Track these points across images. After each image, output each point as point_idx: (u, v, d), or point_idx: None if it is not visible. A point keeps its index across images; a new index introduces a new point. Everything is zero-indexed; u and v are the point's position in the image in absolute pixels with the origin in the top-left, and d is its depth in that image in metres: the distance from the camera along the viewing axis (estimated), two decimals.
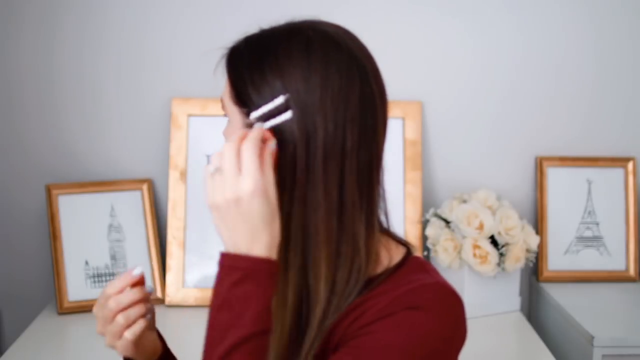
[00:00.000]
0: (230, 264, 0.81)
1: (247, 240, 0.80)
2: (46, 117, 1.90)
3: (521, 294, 1.90)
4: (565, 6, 1.94)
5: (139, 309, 0.88)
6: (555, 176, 1.97)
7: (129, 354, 0.90)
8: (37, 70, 1.88)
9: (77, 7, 1.87)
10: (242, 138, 0.81)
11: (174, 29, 1.89)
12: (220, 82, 0.89)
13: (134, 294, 0.88)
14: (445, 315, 0.82)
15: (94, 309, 0.91)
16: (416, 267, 0.88)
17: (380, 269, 0.87)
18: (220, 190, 0.80)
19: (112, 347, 0.90)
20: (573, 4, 1.94)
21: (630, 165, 1.97)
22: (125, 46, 1.89)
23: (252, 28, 0.89)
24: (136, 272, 0.88)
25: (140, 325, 0.88)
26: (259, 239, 0.80)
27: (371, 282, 0.84)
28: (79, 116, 1.91)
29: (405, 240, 0.92)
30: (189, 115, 1.88)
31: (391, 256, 0.89)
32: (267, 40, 0.85)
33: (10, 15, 1.85)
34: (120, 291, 0.89)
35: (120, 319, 0.87)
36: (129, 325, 0.88)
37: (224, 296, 0.80)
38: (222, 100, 0.89)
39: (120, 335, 0.88)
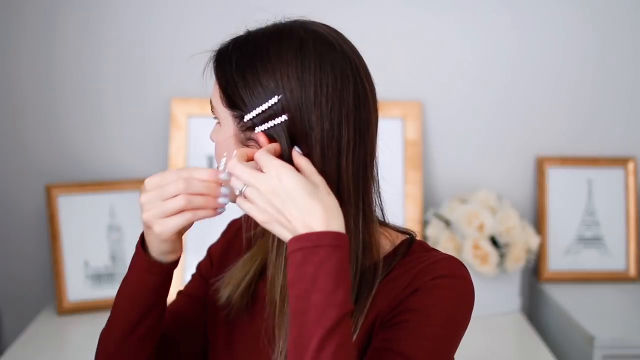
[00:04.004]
0: (313, 243, 0.77)
1: (303, 221, 0.78)
2: (46, 117, 1.90)
3: (521, 294, 1.89)
4: (566, 5, 1.94)
5: (204, 201, 0.83)
6: (555, 176, 1.96)
7: (163, 237, 0.85)
8: (37, 70, 1.88)
9: (77, 7, 1.86)
10: (244, 154, 0.82)
11: (174, 29, 1.89)
12: (210, 84, 0.89)
13: (207, 187, 0.83)
14: (467, 282, 0.88)
15: (149, 186, 0.85)
16: (423, 248, 0.93)
17: (383, 254, 0.90)
18: (259, 197, 0.79)
19: (150, 225, 0.84)
20: (573, 3, 1.93)
21: (630, 165, 1.97)
22: (125, 46, 1.89)
23: (250, 28, 0.89)
24: (223, 177, 0.83)
25: (199, 215, 0.83)
26: (314, 215, 0.78)
27: (377, 267, 0.88)
28: (79, 116, 1.91)
29: (405, 229, 0.95)
30: (189, 116, 1.87)
31: (393, 243, 0.92)
32: (258, 41, 0.85)
33: (10, 15, 1.85)
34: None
35: (181, 200, 0.82)
36: (181, 211, 0.83)
37: (312, 277, 0.77)
38: (211, 104, 0.89)
39: (168, 215, 0.83)
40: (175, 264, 0.93)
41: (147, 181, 0.85)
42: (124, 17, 1.88)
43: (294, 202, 0.78)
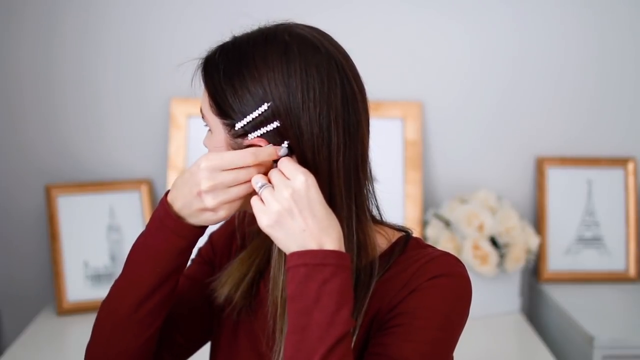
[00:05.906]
0: (319, 261, 0.78)
1: (317, 234, 0.79)
2: (45, 117, 1.90)
3: (521, 294, 1.89)
4: (566, 5, 1.94)
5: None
6: (555, 176, 1.96)
7: (226, 218, 0.85)
8: (36, 71, 1.88)
9: (77, 8, 1.86)
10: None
11: (174, 29, 1.89)
12: (199, 90, 0.89)
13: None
14: (464, 279, 0.88)
15: (206, 172, 0.82)
16: (419, 245, 0.92)
17: (380, 253, 0.90)
18: (274, 198, 0.79)
19: (215, 210, 0.83)
20: (574, 3, 1.94)
21: (630, 165, 1.97)
22: (125, 46, 1.89)
23: (249, 29, 0.88)
24: (282, 153, 0.83)
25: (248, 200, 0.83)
26: (328, 233, 0.79)
27: (373, 266, 0.88)
28: (79, 116, 1.91)
29: (401, 226, 0.95)
30: (189, 116, 1.87)
31: (390, 240, 0.93)
32: (244, 48, 0.85)
33: (10, 15, 1.85)
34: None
35: (255, 187, 0.82)
36: (246, 197, 0.83)
37: (315, 294, 0.78)
38: (201, 112, 0.88)
39: (234, 200, 0.83)
40: (206, 227, 0.89)
41: (204, 165, 0.82)
42: (123, 18, 1.88)
43: (312, 211, 0.79)
